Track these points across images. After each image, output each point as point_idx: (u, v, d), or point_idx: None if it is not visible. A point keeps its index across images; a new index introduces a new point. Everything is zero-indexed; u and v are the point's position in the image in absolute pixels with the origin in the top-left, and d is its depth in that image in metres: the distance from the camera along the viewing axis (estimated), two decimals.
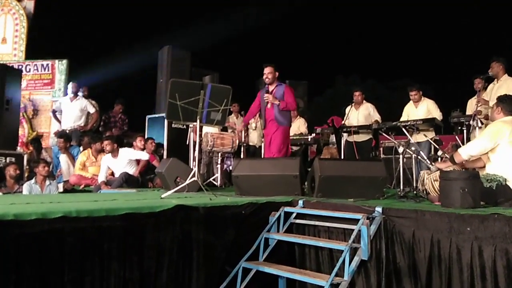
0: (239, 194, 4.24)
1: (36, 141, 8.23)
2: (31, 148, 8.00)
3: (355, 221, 3.31)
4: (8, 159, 5.99)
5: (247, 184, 4.22)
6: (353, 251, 3.20)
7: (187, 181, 4.05)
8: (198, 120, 4.01)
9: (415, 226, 3.17)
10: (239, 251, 3.42)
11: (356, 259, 3.17)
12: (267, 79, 5.48)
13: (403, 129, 5.31)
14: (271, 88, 5.52)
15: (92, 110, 7.87)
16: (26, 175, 6.59)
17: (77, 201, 3.46)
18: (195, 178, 4.02)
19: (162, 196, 3.83)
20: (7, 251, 2.22)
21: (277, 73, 5.51)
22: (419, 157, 5.05)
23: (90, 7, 13.59)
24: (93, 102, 8.26)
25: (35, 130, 9.04)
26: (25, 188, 5.53)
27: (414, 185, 4.86)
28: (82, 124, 7.78)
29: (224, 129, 7.32)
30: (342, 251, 3.12)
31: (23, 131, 8.87)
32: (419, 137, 5.71)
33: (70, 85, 7.93)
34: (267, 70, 5.49)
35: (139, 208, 2.86)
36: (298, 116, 8.11)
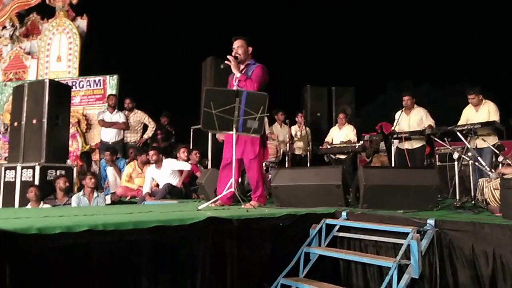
0: (278, 205, 4.03)
1: (86, 154, 8.50)
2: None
3: (404, 235, 3.01)
4: (58, 172, 6.17)
5: (287, 194, 4.02)
6: (402, 268, 2.90)
7: (224, 192, 3.91)
8: (234, 129, 3.85)
9: (473, 240, 2.84)
10: (277, 266, 3.20)
11: (405, 277, 2.85)
12: (237, 55, 4.23)
13: (459, 134, 4.89)
14: (241, 67, 4.27)
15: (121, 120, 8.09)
16: (76, 187, 6.78)
17: (112, 213, 3.41)
18: (232, 189, 3.86)
19: (199, 207, 3.70)
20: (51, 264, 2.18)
21: (250, 48, 4.30)
22: (477, 163, 4.61)
23: (137, 23, 14.10)
24: (144, 114, 8.44)
25: (88, 144, 9.34)
26: (74, 200, 5.66)
27: (472, 194, 4.43)
28: (122, 136, 8.07)
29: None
30: (390, 268, 2.84)
31: (77, 145, 9.20)
32: (479, 143, 5.25)
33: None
34: (236, 44, 4.28)
35: (168, 221, 2.73)
36: (346, 123, 7.77)
